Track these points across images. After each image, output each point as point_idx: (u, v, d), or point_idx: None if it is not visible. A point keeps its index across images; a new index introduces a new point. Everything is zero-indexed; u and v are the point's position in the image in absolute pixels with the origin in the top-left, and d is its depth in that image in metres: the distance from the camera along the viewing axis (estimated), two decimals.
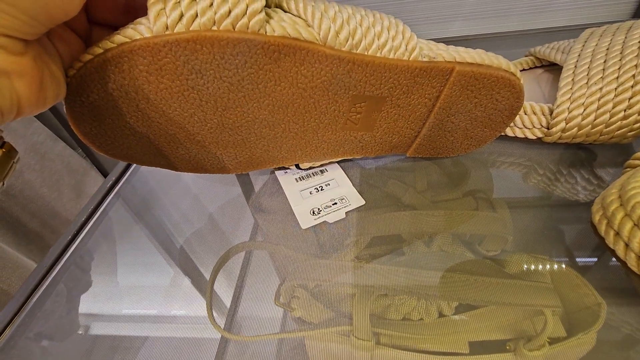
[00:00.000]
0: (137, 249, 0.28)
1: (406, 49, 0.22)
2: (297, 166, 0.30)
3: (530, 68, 0.36)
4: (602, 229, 0.22)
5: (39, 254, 0.58)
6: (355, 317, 0.22)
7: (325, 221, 0.27)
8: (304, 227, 0.26)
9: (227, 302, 0.24)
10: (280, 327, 0.22)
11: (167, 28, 0.18)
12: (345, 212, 0.27)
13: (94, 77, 0.19)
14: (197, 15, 0.18)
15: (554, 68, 0.35)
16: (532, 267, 0.24)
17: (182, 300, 0.23)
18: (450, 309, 0.22)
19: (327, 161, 0.30)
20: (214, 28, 0.18)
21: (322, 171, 0.31)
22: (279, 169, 0.32)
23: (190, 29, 0.18)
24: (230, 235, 0.28)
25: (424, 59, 0.22)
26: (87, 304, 0.23)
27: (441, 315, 0.22)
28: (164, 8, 0.18)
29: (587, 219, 0.24)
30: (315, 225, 0.27)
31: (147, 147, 0.23)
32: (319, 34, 0.20)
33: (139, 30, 0.18)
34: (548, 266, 0.23)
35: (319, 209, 0.28)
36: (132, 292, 0.23)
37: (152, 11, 0.18)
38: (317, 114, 0.24)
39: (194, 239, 0.29)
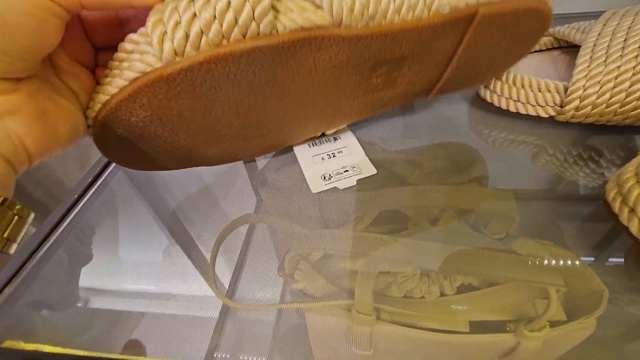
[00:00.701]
0: (139, 225, 0.28)
1: (425, 5, 0.20)
2: (323, 134, 0.31)
3: (548, 49, 0.36)
4: (616, 206, 0.22)
5: (43, 221, 0.59)
6: (358, 292, 0.22)
7: (335, 187, 0.27)
8: (314, 191, 0.27)
9: (228, 276, 0.23)
10: (281, 301, 0.22)
11: (175, 54, 0.17)
12: (357, 180, 0.27)
13: (116, 116, 0.18)
14: (202, 33, 0.17)
15: (572, 50, 0.34)
16: (538, 248, 0.24)
17: (182, 278, 0.23)
18: (452, 288, 0.22)
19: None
20: (224, 42, 0.17)
21: (335, 138, 0.31)
22: None
23: (200, 49, 0.17)
24: (235, 208, 0.28)
25: (445, 10, 0.21)
26: (87, 276, 0.23)
27: (443, 294, 0.22)
28: (166, 31, 0.16)
29: (596, 201, 0.25)
30: (325, 190, 0.27)
31: (178, 157, 0.24)
32: (332, 16, 0.19)
33: (148, 62, 0.17)
34: (554, 249, 0.24)
35: (330, 175, 0.28)
36: (132, 268, 0.23)
37: (155, 35, 0.16)
38: (338, 89, 0.24)
39: (197, 215, 0.28)
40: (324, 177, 0.28)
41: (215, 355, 0.19)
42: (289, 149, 0.31)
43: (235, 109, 0.21)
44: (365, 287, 0.23)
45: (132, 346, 0.18)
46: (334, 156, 0.29)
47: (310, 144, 0.30)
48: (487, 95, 0.32)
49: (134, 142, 0.20)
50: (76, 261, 0.23)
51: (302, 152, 0.30)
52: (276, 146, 0.28)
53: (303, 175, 0.28)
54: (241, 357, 0.19)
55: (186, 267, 0.23)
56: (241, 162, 0.32)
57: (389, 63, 0.23)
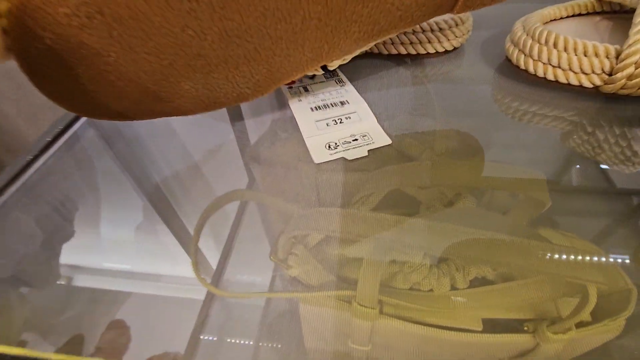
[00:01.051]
0: (122, 200, 0.25)
1: None
2: (325, 68, 0.26)
3: (588, 13, 0.31)
4: None
5: None
6: (361, 282, 0.19)
7: (343, 157, 0.23)
8: (317, 161, 0.23)
9: (215, 258, 0.21)
10: (271, 289, 0.20)
11: None
12: (368, 151, 0.24)
13: (38, 7, 0.14)
14: None
15: (616, 16, 0.30)
16: (560, 239, 0.21)
17: (168, 258, 0.21)
18: (464, 282, 0.19)
19: (359, 52, 0.24)
20: None
21: (342, 102, 0.27)
22: (293, 91, 0.28)
23: None
24: (225, 183, 0.25)
25: None
26: (68, 254, 0.21)
27: (454, 288, 0.19)
28: None
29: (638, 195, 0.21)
30: (329, 161, 0.23)
31: (137, 94, 0.19)
32: None
33: None
34: (577, 241, 0.21)
35: (336, 143, 0.24)
36: (116, 246, 0.21)
37: None
38: None
39: (183, 191, 0.25)
40: (329, 146, 0.24)
41: (200, 337, 0.17)
42: (287, 115, 0.27)
43: (208, 4, 0.16)
44: (369, 277, 0.20)
45: (116, 326, 0.17)
46: (341, 122, 0.25)
47: (314, 107, 0.26)
48: (520, 59, 0.28)
49: (68, 60, 0.15)
50: (57, 237, 0.22)
51: (304, 117, 0.26)
52: (271, 80, 0.23)
53: (303, 146, 0.24)
54: (228, 340, 0.18)
55: (172, 247, 0.21)
56: (232, 132, 0.28)
57: None
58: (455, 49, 0.32)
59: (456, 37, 0.31)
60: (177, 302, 0.18)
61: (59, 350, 0.16)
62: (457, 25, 0.30)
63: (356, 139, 0.24)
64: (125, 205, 0.24)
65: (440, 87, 0.30)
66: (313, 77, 0.29)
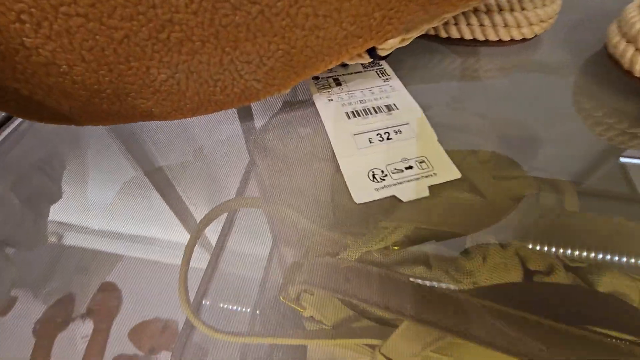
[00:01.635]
0: (111, 164, 0.22)
1: None
2: (373, 52, 0.17)
3: None
4: None
5: None
6: (395, 337, 0.15)
7: (394, 196, 0.16)
8: (358, 200, 0.16)
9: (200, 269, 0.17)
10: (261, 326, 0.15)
11: None
12: (429, 187, 0.16)
13: None
14: None
15: None
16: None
17: (160, 223, 0.19)
18: None
19: (424, 29, 0.17)
20: None
21: (389, 107, 0.19)
22: (320, 84, 0.20)
23: None
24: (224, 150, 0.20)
25: None
26: (56, 215, 0.20)
27: None
28: None
29: None
30: (378, 200, 0.16)
31: (89, 85, 0.12)
32: None
33: None
34: None
35: (382, 171, 0.17)
36: (106, 208, 0.20)
37: None
38: None
39: (177, 161, 0.21)
40: (374, 176, 0.17)
41: (197, 308, 0.15)
42: (308, 111, 0.20)
43: None
44: (406, 338, 0.14)
45: (107, 289, 0.16)
46: (388, 138, 0.18)
47: (350, 112, 0.19)
48: (625, 54, 0.20)
49: None
50: (44, 198, 0.21)
51: (337, 125, 0.18)
52: (286, 72, 0.15)
53: (322, 139, 0.18)
54: (222, 306, 0.16)
55: (165, 212, 0.19)
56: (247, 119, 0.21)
57: None
58: (535, 36, 0.24)
59: (541, 21, 0.23)
60: (170, 268, 0.17)
61: (49, 309, 0.15)
62: (544, 5, 0.23)
63: (410, 167, 0.17)
64: (114, 168, 0.22)
65: (514, 89, 0.23)
66: (346, 65, 0.21)
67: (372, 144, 0.18)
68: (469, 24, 0.23)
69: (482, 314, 0.15)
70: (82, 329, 0.15)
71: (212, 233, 0.18)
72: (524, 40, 0.24)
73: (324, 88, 0.20)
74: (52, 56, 0.12)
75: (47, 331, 0.15)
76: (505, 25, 0.23)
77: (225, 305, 0.16)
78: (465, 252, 0.16)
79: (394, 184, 0.16)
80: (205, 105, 0.16)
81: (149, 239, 0.18)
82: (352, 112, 0.19)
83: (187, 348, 0.15)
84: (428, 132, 0.18)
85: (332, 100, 0.20)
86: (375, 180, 0.17)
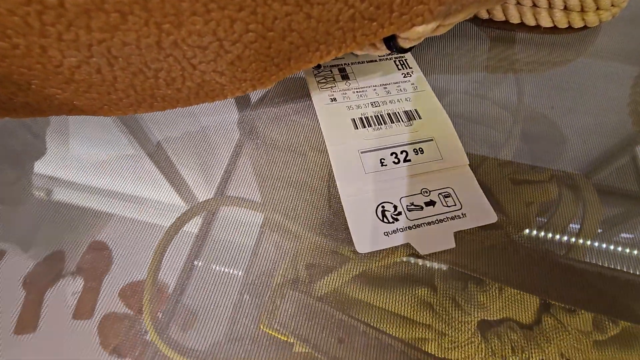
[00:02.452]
0: (95, 124, 0.20)
1: None
2: (392, 43, 0.13)
3: None
4: None
5: None
6: None
7: (409, 245, 0.12)
8: (361, 250, 0.12)
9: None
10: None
11: None
12: (455, 233, 0.13)
13: None
14: None
15: None
16: None
17: (151, 183, 0.18)
18: None
19: (467, 15, 0.12)
20: None
21: (408, 114, 0.15)
22: (321, 76, 0.15)
23: None
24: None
25: None
26: (41, 172, 0.19)
27: None
28: None
29: None
30: (387, 249, 0.12)
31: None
32: None
33: None
34: None
35: (395, 207, 0.13)
36: (94, 166, 0.19)
37: None
38: None
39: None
40: (384, 214, 0.13)
41: (190, 271, 0.15)
42: (307, 108, 0.15)
43: None
44: None
45: (97, 248, 0.16)
46: (406, 159, 0.14)
47: (358, 119, 0.14)
48: None
49: None
50: (26, 155, 0.20)
51: (339, 138, 0.14)
52: (261, 64, 0.11)
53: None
54: (215, 268, 0.15)
55: (154, 173, 0.18)
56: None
57: None
58: (599, 24, 0.19)
59: (612, 5, 0.18)
60: (160, 230, 0.16)
61: (38, 264, 0.15)
62: None
63: (432, 202, 0.13)
64: (101, 126, 0.20)
65: (565, 90, 0.18)
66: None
67: (384, 167, 0.13)
68: (518, 3, 0.18)
69: None
70: (73, 286, 0.15)
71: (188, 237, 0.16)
72: (584, 28, 0.19)
73: (326, 82, 0.16)
74: None
75: (36, 286, 0.15)
76: (566, 7, 0.18)
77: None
78: (479, 279, 0.13)
79: (410, 227, 0.12)
80: (149, 101, 0.11)
81: (137, 198, 0.17)
82: (361, 119, 0.14)
83: (177, 310, 0.14)
84: (458, 153, 0.14)
85: (335, 100, 0.15)
86: (385, 219, 0.13)
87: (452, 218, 0.13)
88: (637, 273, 0.14)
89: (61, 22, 0.08)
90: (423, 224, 0.13)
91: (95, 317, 0.14)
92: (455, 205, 0.13)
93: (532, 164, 0.16)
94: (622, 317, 0.13)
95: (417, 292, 0.13)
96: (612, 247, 0.15)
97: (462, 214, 0.13)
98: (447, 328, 0.13)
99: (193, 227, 0.16)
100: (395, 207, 0.13)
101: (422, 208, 0.13)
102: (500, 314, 0.13)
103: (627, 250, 0.15)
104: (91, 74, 0.10)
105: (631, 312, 0.13)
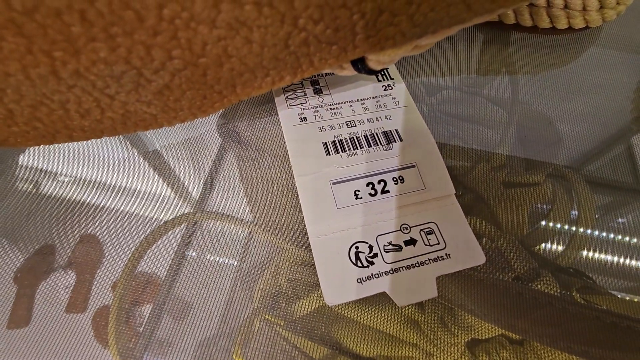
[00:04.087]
0: None
1: None
2: (362, 68, 0.11)
3: None
4: None
5: None
6: None
7: (384, 293, 0.11)
8: (331, 302, 0.11)
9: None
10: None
11: None
12: (437, 278, 0.11)
13: None
14: None
15: None
16: None
17: (142, 176, 0.18)
18: None
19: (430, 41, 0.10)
20: None
21: (387, 135, 0.13)
22: (290, 91, 0.14)
23: None
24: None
25: None
26: (29, 163, 0.19)
27: None
28: None
29: None
30: (358, 300, 0.11)
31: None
32: None
33: None
34: None
35: (370, 247, 0.11)
36: (82, 157, 0.18)
37: None
38: None
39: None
40: (357, 255, 0.11)
41: (180, 263, 0.14)
42: (276, 127, 0.14)
43: None
44: None
45: (88, 241, 0.15)
46: (384, 190, 0.12)
47: (331, 142, 0.13)
48: None
49: None
50: (7, 149, 0.19)
51: (309, 167, 0.12)
52: (198, 97, 0.10)
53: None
54: (209, 258, 0.14)
55: (144, 165, 0.18)
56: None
57: None
58: (602, 24, 0.17)
59: (618, 3, 0.16)
60: (153, 223, 0.16)
61: (29, 259, 0.15)
62: None
63: (412, 241, 0.11)
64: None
65: (563, 93, 0.17)
66: None
67: (359, 200, 0.12)
68: None
69: None
70: (65, 279, 0.15)
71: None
72: (586, 28, 0.17)
73: (296, 97, 0.14)
74: None
75: (28, 280, 0.15)
76: (565, 7, 0.16)
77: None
78: (470, 311, 0.12)
79: (387, 271, 0.11)
80: (66, 132, 0.10)
81: (128, 190, 0.17)
82: (334, 142, 0.13)
83: (170, 301, 0.14)
84: (443, 180, 0.12)
85: (305, 119, 0.13)
86: (359, 263, 0.11)
87: (435, 260, 0.11)
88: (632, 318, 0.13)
89: None
90: (402, 267, 0.11)
91: (88, 310, 0.14)
92: (438, 244, 0.11)
93: (526, 167, 0.15)
94: None
95: (404, 310, 0.12)
96: (608, 251, 0.14)
97: (446, 255, 0.11)
98: (434, 348, 0.12)
99: (177, 232, 0.15)
100: (370, 247, 0.11)
101: (401, 248, 0.11)
102: (489, 333, 0.12)
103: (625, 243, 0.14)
104: None
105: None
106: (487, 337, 0.12)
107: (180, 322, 0.13)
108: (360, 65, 0.10)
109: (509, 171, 0.15)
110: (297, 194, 0.12)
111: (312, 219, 0.12)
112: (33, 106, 0.08)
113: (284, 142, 0.13)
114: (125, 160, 0.18)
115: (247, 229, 0.14)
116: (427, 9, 0.08)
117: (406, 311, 0.12)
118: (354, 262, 0.11)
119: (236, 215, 0.14)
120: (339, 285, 0.11)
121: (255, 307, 0.12)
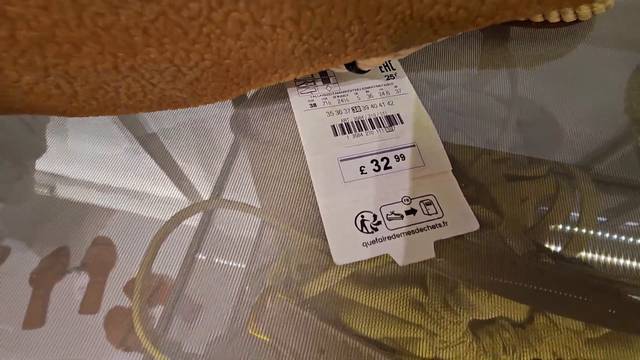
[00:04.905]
0: (94, 120, 0.19)
1: None
2: (353, 68, 0.14)
3: None
4: None
5: None
6: None
7: (387, 254, 0.12)
8: (339, 261, 0.12)
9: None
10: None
11: None
12: (435, 242, 0.12)
13: None
14: None
15: None
16: None
17: (152, 179, 0.18)
18: None
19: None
20: None
21: (390, 119, 0.14)
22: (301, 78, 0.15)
23: None
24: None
25: None
26: (42, 169, 0.19)
27: None
28: None
29: None
30: (365, 260, 0.12)
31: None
32: None
33: None
34: None
35: (375, 216, 0.13)
36: (94, 162, 0.19)
37: None
38: None
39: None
40: (363, 224, 0.13)
41: (191, 265, 0.15)
42: (287, 111, 0.15)
43: None
44: None
45: (101, 243, 0.16)
46: (387, 166, 0.13)
47: (338, 125, 0.14)
48: None
49: None
50: (27, 153, 0.20)
51: (319, 146, 0.14)
52: (220, 84, 0.12)
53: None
54: (218, 261, 0.15)
55: (154, 168, 0.18)
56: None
57: None
58: (591, 17, 0.18)
59: None
60: (161, 225, 0.16)
61: (44, 260, 0.15)
62: None
63: (412, 211, 0.13)
64: (101, 123, 0.20)
65: (560, 85, 0.18)
66: None
67: (364, 175, 0.13)
68: None
69: None
70: (79, 281, 0.15)
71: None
72: (576, 22, 0.18)
73: (306, 86, 0.15)
74: None
75: (43, 281, 0.15)
76: None
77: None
78: (469, 280, 0.13)
79: (390, 236, 0.12)
80: (112, 108, 0.12)
81: (140, 194, 0.18)
82: (341, 125, 0.14)
83: (180, 303, 0.14)
84: (441, 158, 0.14)
85: (315, 105, 0.15)
86: (364, 229, 0.12)
87: (433, 227, 0.12)
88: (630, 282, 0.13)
89: (14, 49, 0.08)
90: (403, 233, 0.12)
91: (101, 311, 0.14)
92: (436, 213, 0.13)
93: (529, 159, 0.16)
94: (612, 326, 0.13)
95: (408, 292, 0.13)
96: (611, 242, 0.14)
97: (444, 222, 0.13)
98: (438, 328, 0.13)
99: (192, 221, 0.16)
100: (374, 216, 0.13)
101: (402, 217, 0.13)
102: (491, 314, 0.13)
103: (627, 242, 0.15)
104: (50, 89, 0.10)
105: (623, 321, 0.13)
106: (489, 317, 0.13)
107: (203, 298, 0.14)
108: (351, 67, 0.13)
109: (511, 164, 0.16)
110: (309, 184, 0.14)
111: (322, 192, 0.13)
112: (93, 89, 0.10)
113: (296, 127, 0.15)
114: (137, 164, 0.18)
115: (260, 218, 0.15)
116: (402, 32, 0.11)
117: (410, 293, 0.13)
118: (360, 228, 0.12)
119: (249, 203, 0.15)
120: (347, 248, 0.12)
121: (268, 286, 0.14)
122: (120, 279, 0.15)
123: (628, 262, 0.14)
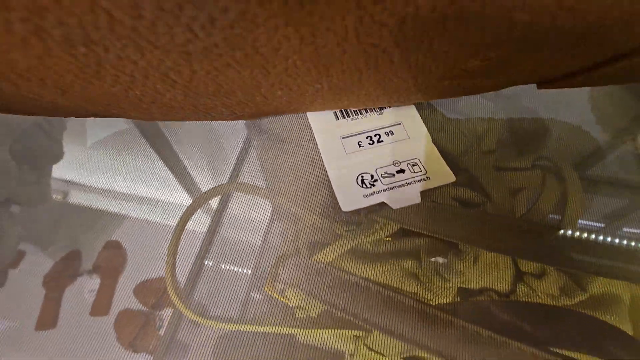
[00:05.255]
0: (110, 126, 0.22)
1: None
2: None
3: None
4: None
5: None
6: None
7: (383, 203, 0.15)
8: (346, 208, 0.15)
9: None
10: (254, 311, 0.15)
11: None
12: (421, 192, 0.15)
13: None
14: None
15: None
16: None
17: (164, 185, 0.19)
18: None
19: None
20: None
21: (380, 106, 0.18)
22: None
23: None
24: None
25: None
26: (59, 174, 0.20)
27: None
28: None
29: None
30: (366, 207, 0.15)
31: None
32: None
33: None
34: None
35: (372, 176, 0.16)
36: (109, 168, 0.20)
37: None
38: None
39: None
40: (363, 181, 0.16)
41: (198, 271, 0.16)
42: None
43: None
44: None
45: (112, 247, 0.16)
46: (379, 141, 0.17)
47: (339, 112, 0.18)
48: None
49: None
50: (44, 158, 0.21)
51: (324, 127, 0.17)
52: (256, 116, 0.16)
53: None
54: (225, 267, 0.16)
55: (167, 174, 0.19)
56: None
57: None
58: None
59: None
60: (171, 230, 0.16)
61: (57, 263, 0.16)
62: None
63: (402, 170, 0.16)
64: (115, 130, 0.21)
65: None
66: None
67: (361, 147, 0.17)
68: None
69: (453, 331, 0.14)
70: (90, 284, 0.15)
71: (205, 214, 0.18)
72: None
73: None
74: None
75: (56, 284, 0.15)
76: None
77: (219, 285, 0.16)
78: (457, 250, 0.15)
79: (385, 189, 0.15)
80: (196, 116, 0.15)
81: (150, 200, 0.18)
82: (341, 111, 0.18)
83: (188, 305, 0.15)
84: (422, 132, 0.17)
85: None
86: (364, 185, 0.16)
87: (419, 180, 0.16)
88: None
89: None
90: (395, 186, 0.16)
91: (111, 313, 0.14)
92: (421, 171, 0.16)
93: (517, 152, 0.18)
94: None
95: (403, 264, 0.15)
96: (596, 231, 0.16)
97: (427, 177, 0.16)
98: (430, 295, 0.15)
99: (213, 203, 0.17)
100: (372, 176, 0.16)
101: (394, 175, 0.16)
102: (478, 283, 0.15)
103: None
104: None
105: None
106: (477, 286, 0.15)
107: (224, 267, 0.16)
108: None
109: (499, 156, 0.18)
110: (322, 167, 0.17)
111: (328, 161, 0.16)
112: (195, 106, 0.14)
113: (306, 119, 0.18)
114: (149, 170, 0.19)
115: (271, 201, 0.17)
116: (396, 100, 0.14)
117: (406, 265, 0.15)
118: (360, 185, 0.16)
119: (262, 187, 0.17)
120: (351, 198, 0.15)
121: (281, 255, 0.16)
122: (130, 282, 0.15)
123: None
